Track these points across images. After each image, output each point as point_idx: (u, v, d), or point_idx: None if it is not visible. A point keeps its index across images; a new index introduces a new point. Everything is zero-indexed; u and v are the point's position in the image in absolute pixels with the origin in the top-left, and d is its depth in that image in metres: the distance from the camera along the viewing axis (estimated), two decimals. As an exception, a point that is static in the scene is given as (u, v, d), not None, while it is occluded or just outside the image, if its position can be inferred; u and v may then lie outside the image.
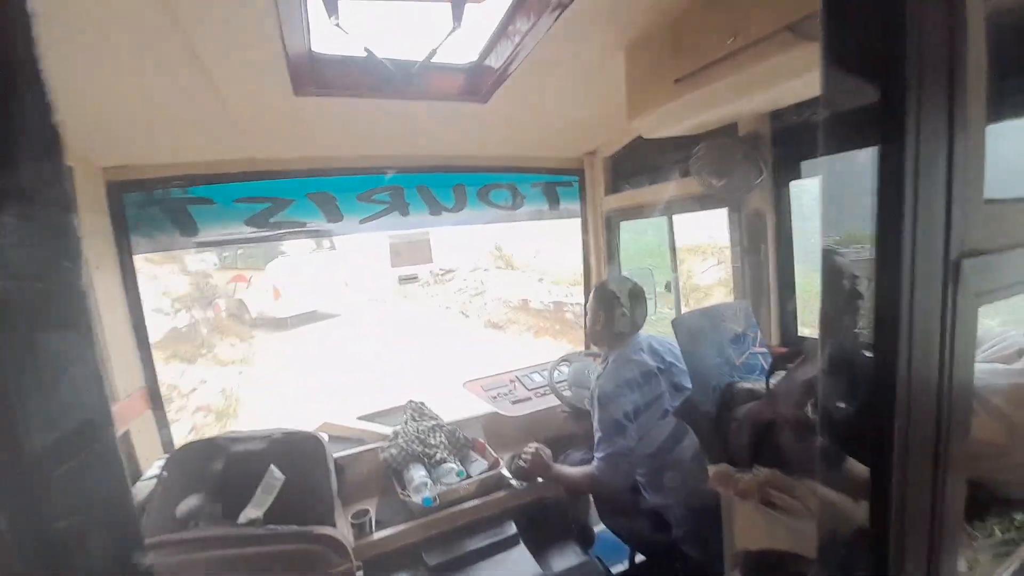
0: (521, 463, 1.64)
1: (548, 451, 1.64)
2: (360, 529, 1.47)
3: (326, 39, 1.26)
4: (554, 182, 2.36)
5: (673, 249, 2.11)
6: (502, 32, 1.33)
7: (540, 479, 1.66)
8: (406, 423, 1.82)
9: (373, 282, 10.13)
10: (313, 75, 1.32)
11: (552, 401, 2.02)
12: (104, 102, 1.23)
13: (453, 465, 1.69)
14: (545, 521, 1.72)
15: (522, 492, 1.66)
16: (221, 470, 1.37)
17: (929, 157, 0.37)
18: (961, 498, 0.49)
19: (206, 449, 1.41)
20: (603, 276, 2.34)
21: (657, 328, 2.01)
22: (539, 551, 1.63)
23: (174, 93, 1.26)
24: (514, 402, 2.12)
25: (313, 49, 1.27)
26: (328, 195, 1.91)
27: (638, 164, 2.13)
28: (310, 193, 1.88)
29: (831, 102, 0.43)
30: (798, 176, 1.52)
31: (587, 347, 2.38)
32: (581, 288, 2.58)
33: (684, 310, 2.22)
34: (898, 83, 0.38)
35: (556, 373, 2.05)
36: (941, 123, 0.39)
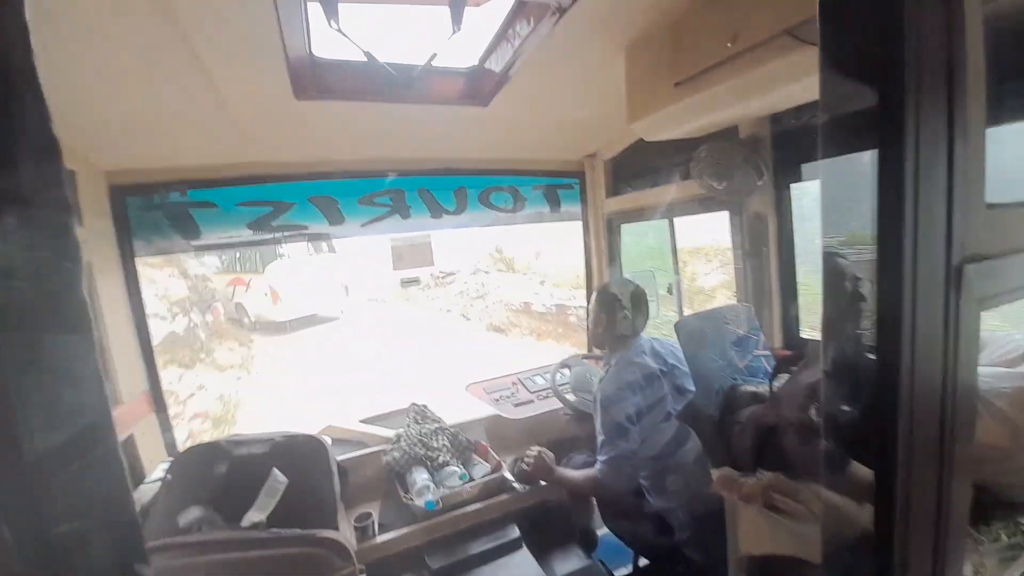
0: (524, 466, 1.64)
1: (551, 454, 1.64)
2: (363, 532, 1.47)
3: (327, 43, 1.27)
4: (555, 184, 2.36)
5: (674, 251, 2.11)
6: (502, 36, 1.34)
7: (543, 482, 1.66)
8: (409, 426, 1.82)
9: (373, 285, 10.12)
10: (314, 79, 1.32)
11: (554, 404, 2.02)
12: (107, 106, 1.24)
13: (456, 468, 1.69)
14: (548, 524, 1.71)
15: (525, 495, 1.66)
16: (224, 473, 1.37)
17: (929, 161, 0.37)
18: (966, 502, 0.48)
19: (210, 452, 1.42)
20: (605, 279, 2.34)
21: (660, 331, 2.00)
22: (542, 554, 1.62)
23: (176, 97, 1.27)
24: (516, 405, 2.12)
25: (314, 53, 1.28)
26: (330, 198, 1.91)
27: (639, 167, 2.13)
28: (312, 196, 1.89)
29: (830, 106, 0.43)
30: (799, 179, 1.52)
31: (589, 349, 2.37)
32: (583, 291, 2.57)
33: (688, 313, 2.22)
34: (897, 87, 0.38)
35: (558, 376, 2.04)
36: (941, 127, 0.39)
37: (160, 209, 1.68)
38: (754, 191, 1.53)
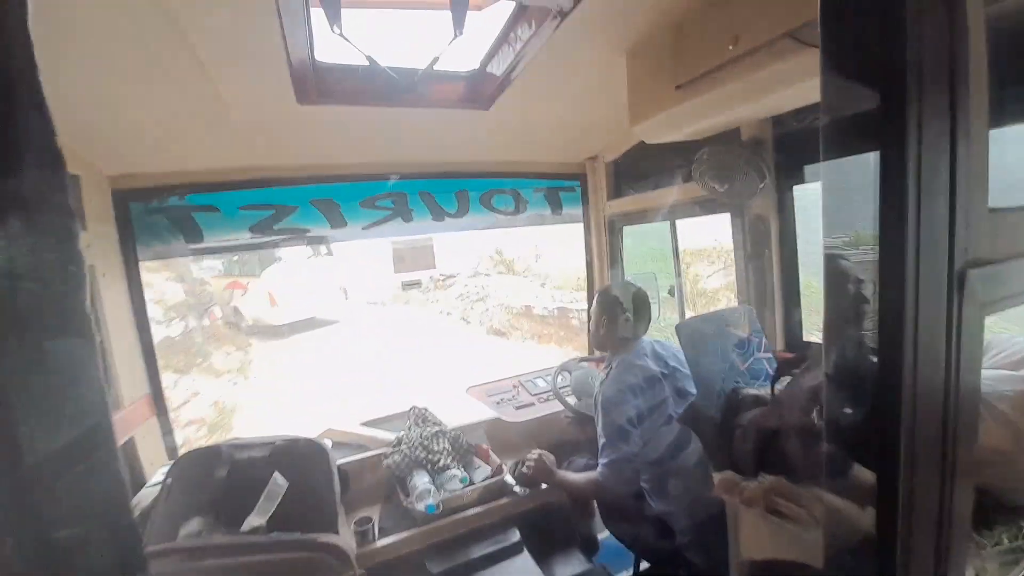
0: (524, 469, 1.63)
1: (552, 457, 1.63)
2: (363, 536, 1.47)
3: (329, 48, 1.27)
4: (556, 187, 2.36)
5: (676, 254, 2.11)
6: (503, 39, 1.34)
7: (544, 485, 1.65)
8: (409, 429, 1.81)
9: (372, 288, 10.06)
10: (316, 84, 1.33)
11: (556, 407, 2.01)
12: (111, 111, 1.25)
13: (457, 471, 1.68)
14: (549, 528, 1.70)
15: (526, 499, 1.65)
16: (225, 477, 1.37)
17: (931, 166, 0.37)
18: (969, 506, 0.48)
19: (210, 456, 1.42)
20: (606, 281, 2.33)
21: (663, 334, 2.00)
22: (543, 558, 1.62)
23: (180, 102, 1.27)
24: (517, 407, 2.12)
25: (316, 58, 1.29)
26: (332, 202, 1.92)
27: (640, 169, 2.13)
28: (314, 200, 1.89)
29: (831, 110, 0.43)
30: (801, 181, 1.52)
31: (590, 352, 2.37)
32: (585, 293, 2.57)
33: (691, 315, 2.22)
34: (899, 91, 0.38)
35: (559, 379, 2.04)
36: (943, 131, 0.39)
37: (163, 213, 1.69)
38: (756, 193, 1.53)
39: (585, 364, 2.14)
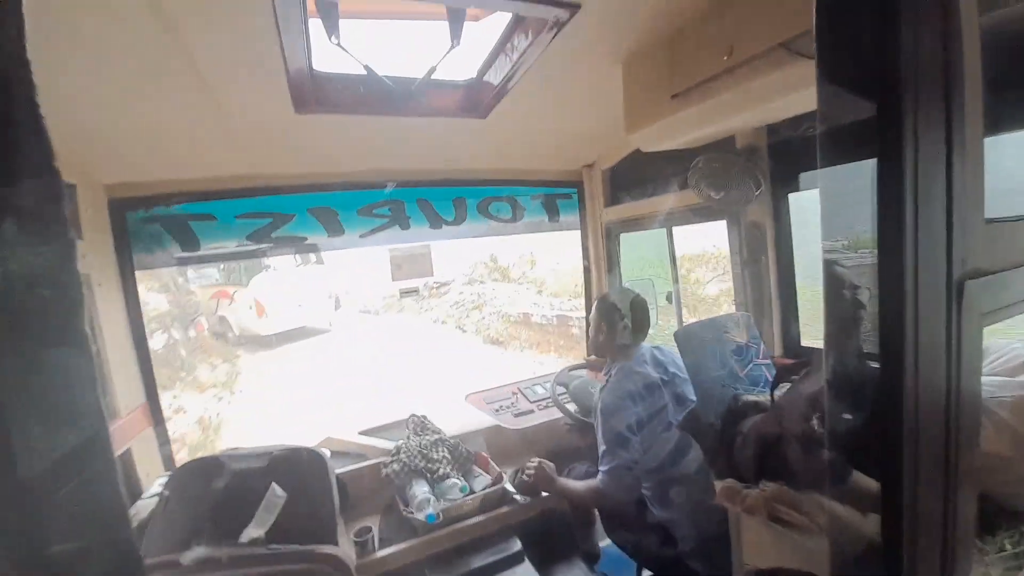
0: (525, 477, 1.62)
1: (552, 465, 1.63)
2: (363, 547, 1.45)
3: (327, 58, 1.28)
4: (553, 194, 2.38)
5: (673, 260, 2.12)
6: (500, 49, 1.35)
7: (544, 493, 1.64)
8: (408, 438, 1.80)
9: (364, 296, 9.89)
10: (314, 93, 1.33)
11: (555, 414, 2.01)
12: (108, 120, 1.25)
13: (456, 480, 1.67)
14: (550, 537, 1.69)
15: (526, 507, 1.64)
16: (223, 488, 1.36)
17: (927, 178, 0.37)
18: (972, 512, 0.48)
19: (207, 467, 1.40)
20: (604, 288, 2.34)
21: (659, 342, 2.00)
22: (544, 567, 1.60)
23: (177, 111, 1.27)
24: (516, 415, 2.11)
25: (314, 68, 1.29)
26: (329, 210, 1.92)
27: (637, 176, 2.15)
28: (311, 208, 1.89)
29: (827, 121, 0.44)
30: (796, 188, 1.54)
31: (589, 357, 2.37)
32: (583, 300, 2.58)
33: (690, 321, 2.22)
34: (894, 102, 0.38)
35: (558, 388, 2.04)
36: (938, 142, 0.39)
37: (159, 222, 1.68)
38: (751, 201, 1.55)
39: (582, 373, 2.13)
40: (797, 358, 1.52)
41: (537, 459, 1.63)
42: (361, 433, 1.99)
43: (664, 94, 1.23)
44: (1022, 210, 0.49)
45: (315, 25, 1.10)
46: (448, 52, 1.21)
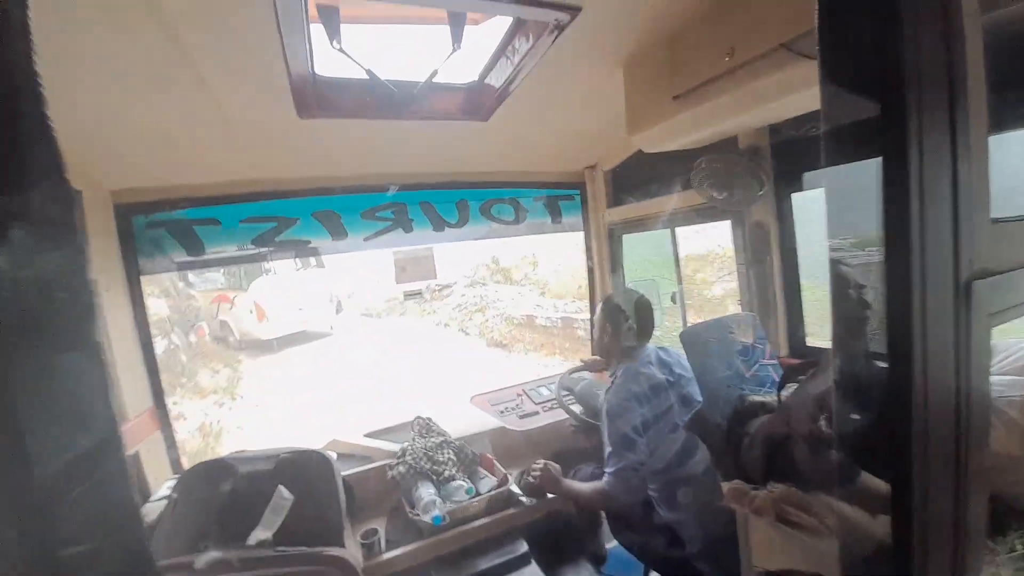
0: (530, 479, 1.62)
1: (557, 466, 1.63)
2: (369, 549, 1.46)
3: (329, 63, 1.29)
4: (556, 196, 2.38)
5: (677, 261, 2.12)
6: (501, 52, 1.36)
7: (550, 495, 1.64)
8: (414, 440, 1.81)
9: (366, 299, 9.74)
10: (316, 98, 1.34)
11: (560, 415, 2.01)
12: (113, 127, 1.26)
13: (462, 482, 1.67)
14: (556, 538, 1.69)
15: (532, 509, 1.64)
16: (230, 491, 1.36)
17: (933, 178, 0.37)
18: (983, 512, 0.48)
19: (215, 470, 1.41)
20: (607, 289, 2.34)
21: (664, 343, 2.00)
22: (551, 569, 1.60)
23: (182, 117, 1.29)
24: (521, 416, 2.11)
25: (316, 72, 1.30)
26: (333, 213, 1.93)
27: (639, 177, 2.14)
28: (315, 212, 1.90)
29: (831, 120, 0.44)
30: (800, 188, 1.53)
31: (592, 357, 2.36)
32: (587, 302, 2.57)
33: (696, 322, 2.21)
34: (897, 102, 0.38)
35: (563, 391, 2.04)
36: (943, 143, 0.39)
37: (164, 227, 1.70)
38: (755, 201, 1.54)
39: (584, 375, 2.13)
40: (803, 358, 1.51)
41: (543, 461, 1.63)
42: (366, 435, 1.99)
43: (666, 95, 1.23)
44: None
45: (317, 30, 1.11)
46: (449, 56, 1.22)
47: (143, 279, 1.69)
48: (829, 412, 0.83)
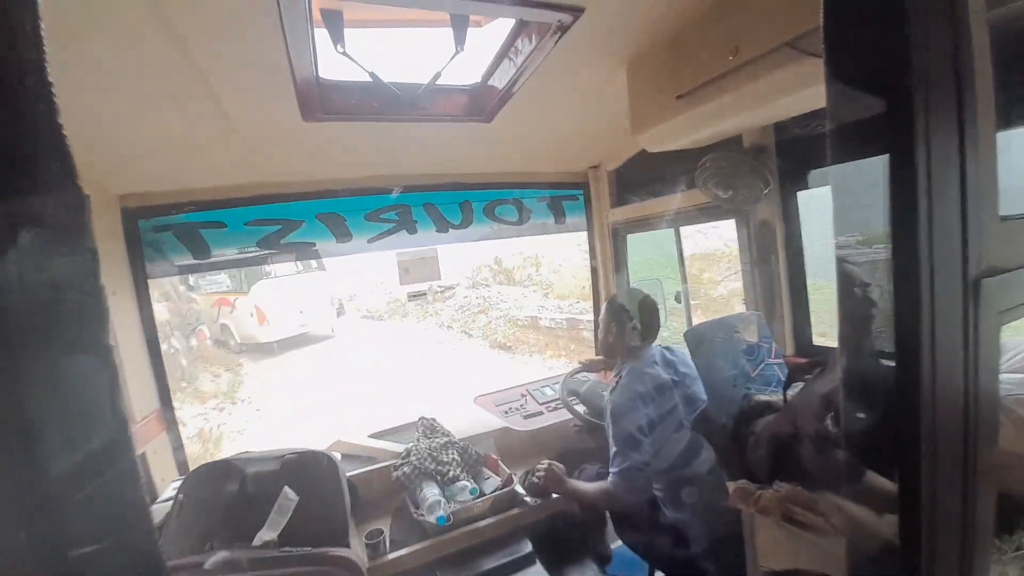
0: (535, 479, 1.62)
1: (561, 466, 1.62)
2: (374, 549, 1.46)
3: (333, 66, 1.29)
4: (559, 196, 2.38)
5: (681, 260, 2.11)
6: (504, 53, 1.36)
7: (554, 495, 1.64)
8: (418, 440, 1.81)
9: (368, 301, 9.70)
10: (321, 101, 1.35)
11: (564, 415, 2.01)
12: (120, 132, 1.27)
13: (466, 483, 1.68)
14: (561, 538, 1.69)
15: (537, 509, 1.64)
16: (235, 491, 1.37)
17: (941, 176, 0.37)
18: (991, 511, 0.48)
19: (221, 471, 1.42)
20: (611, 289, 2.34)
21: (669, 342, 1.99)
22: (555, 569, 1.60)
23: (188, 122, 1.30)
24: (526, 417, 2.11)
25: (320, 76, 1.31)
26: (337, 216, 1.94)
27: (643, 177, 2.14)
28: (319, 214, 1.91)
29: (837, 119, 0.43)
30: (806, 186, 1.53)
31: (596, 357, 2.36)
32: (591, 302, 2.57)
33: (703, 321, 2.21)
34: (905, 100, 0.38)
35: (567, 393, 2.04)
36: (951, 140, 0.39)
37: (171, 230, 1.71)
38: (760, 199, 1.54)
39: (586, 377, 2.13)
40: (809, 357, 1.50)
41: (547, 461, 1.63)
42: (371, 436, 2.00)
43: (669, 94, 1.23)
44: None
45: (321, 35, 1.11)
46: (452, 58, 1.22)
47: (148, 283, 1.70)
48: (835, 411, 0.82)
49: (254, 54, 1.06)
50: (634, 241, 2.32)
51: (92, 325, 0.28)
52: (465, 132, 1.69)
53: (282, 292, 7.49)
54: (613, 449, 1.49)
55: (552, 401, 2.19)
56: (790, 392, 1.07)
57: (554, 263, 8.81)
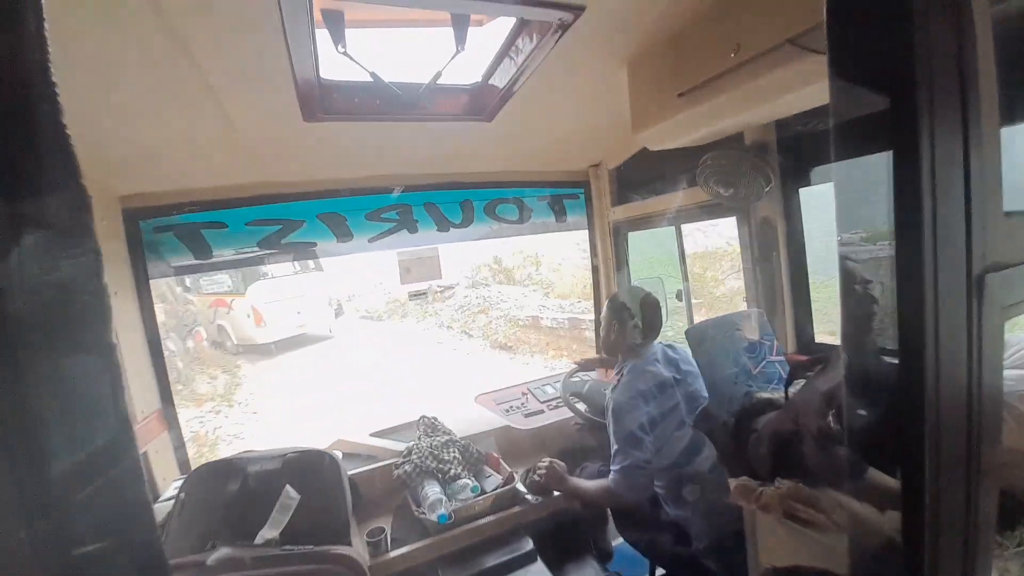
0: (536, 477, 1.62)
1: (563, 464, 1.63)
2: (376, 547, 1.46)
3: (334, 66, 1.29)
4: (560, 195, 2.38)
5: (682, 258, 2.11)
6: (505, 52, 1.36)
7: (556, 493, 1.64)
8: (419, 439, 1.81)
9: (366, 301, 9.65)
10: (322, 101, 1.35)
11: (565, 413, 2.01)
12: (122, 133, 1.27)
13: (468, 481, 1.68)
14: (562, 536, 1.69)
15: (538, 507, 1.64)
16: (237, 490, 1.37)
17: (945, 172, 0.37)
18: (994, 508, 0.48)
19: (222, 469, 1.42)
20: (613, 287, 2.34)
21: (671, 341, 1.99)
22: (557, 567, 1.60)
23: (189, 123, 1.30)
24: (527, 415, 2.12)
25: (321, 77, 1.31)
26: (338, 215, 1.94)
27: (644, 175, 2.14)
28: (320, 214, 1.91)
29: (840, 116, 0.43)
30: (807, 183, 1.52)
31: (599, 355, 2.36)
32: (592, 301, 2.57)
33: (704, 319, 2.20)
34: (908, 96, 0.38)
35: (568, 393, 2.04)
36: (955, 136, 0.39)
37: (172, 231, 1.71)
38: (761, 197, 1.53)
39: (587, 377, 2.13)
40: (811, 354, 1.50)
41: (548, 459, 1.63)
42: (372, 435, 2.00)
43: (670, 92, 1.23)
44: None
45: (322, 35, 1.11)
46: (453, 57, 1.22)
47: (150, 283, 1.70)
48: (837, 408, 0.82)
49: (255, 54, 1.06)
50: (635, 239, 2.32)
51: (95, 325, 0.28)
52: (466, 131, 1.68)
53: (279, 293, 7.45)
54: (614, 447, 1.50)
55: (553, 399, 2.19)
56: (791, 389, 1.07)
57: (554, 262, 8.78)
